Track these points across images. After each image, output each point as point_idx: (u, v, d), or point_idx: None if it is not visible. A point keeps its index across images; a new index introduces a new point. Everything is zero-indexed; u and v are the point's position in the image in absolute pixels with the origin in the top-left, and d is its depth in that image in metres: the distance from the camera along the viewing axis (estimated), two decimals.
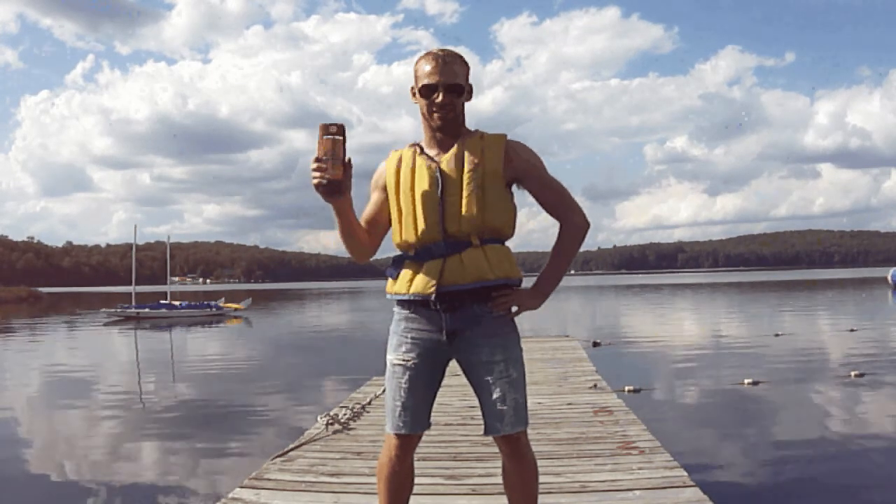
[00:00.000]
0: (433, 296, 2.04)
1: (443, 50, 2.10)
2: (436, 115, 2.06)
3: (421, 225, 2.06)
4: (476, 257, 2.05)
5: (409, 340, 2.12)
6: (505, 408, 2.05)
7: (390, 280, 2.16)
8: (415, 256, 2.10)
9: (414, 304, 2.11)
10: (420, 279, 2.06)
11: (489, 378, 2.07)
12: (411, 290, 2.08)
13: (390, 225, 2.18)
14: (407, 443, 2.14)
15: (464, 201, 2.05)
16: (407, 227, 2.09)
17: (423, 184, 2.07)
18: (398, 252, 2.16)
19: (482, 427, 2.12)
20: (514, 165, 2.10)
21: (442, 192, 2.05)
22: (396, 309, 2.18)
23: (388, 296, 2.17)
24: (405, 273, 2.11)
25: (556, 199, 2.14)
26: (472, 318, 2.07)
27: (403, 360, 2.11)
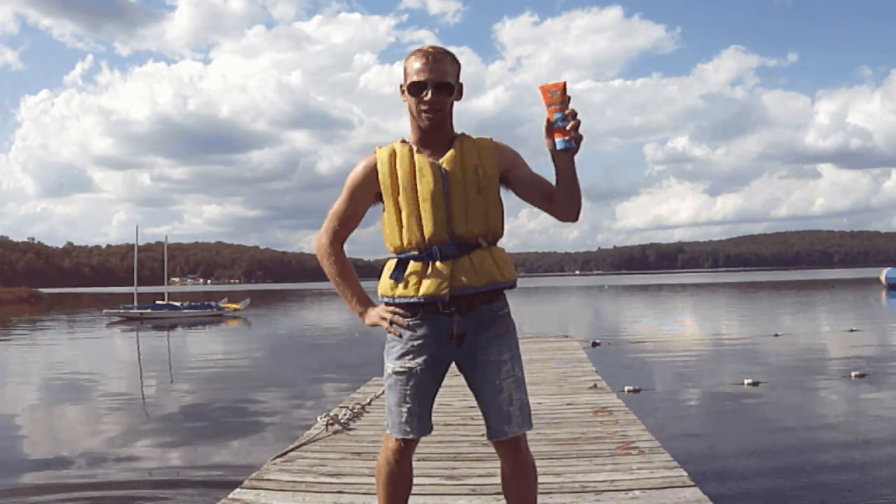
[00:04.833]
0: (446, 297, 2.00)
1: (433, 47, 2.04)
2: (424, 113, 2.01)
3: (428, 225, 2.01)
4: (486, 259, 2.03)
5: (414, 347, 2.05)
6: (512, 408, 2.03)
7: (389, 283, 2.06)
8: (420, 258, 2.03)
9: (421, 309, 2.04)
10: (430, 281, 2.00)
11: (496, 378, 2.04)
12: (421, 293, 2.01)
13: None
14: (409, 446, 2.13)
15: (471, 203, 2.02)
16: (410, 228, 2.02)
17: (427, 183, 2.02)
18: (390, 255, 2.10)
19: (483, 428, 2.10)
20: (503, 164, 2.10)
21: (447, 192, 2.02)
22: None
23: (386, 299, 2.09)
24: (411, 276, 2.03)
25: (546, 181, 2.09)
26: (480, 318, 2.05)
27: (409, 368, 2.06)
